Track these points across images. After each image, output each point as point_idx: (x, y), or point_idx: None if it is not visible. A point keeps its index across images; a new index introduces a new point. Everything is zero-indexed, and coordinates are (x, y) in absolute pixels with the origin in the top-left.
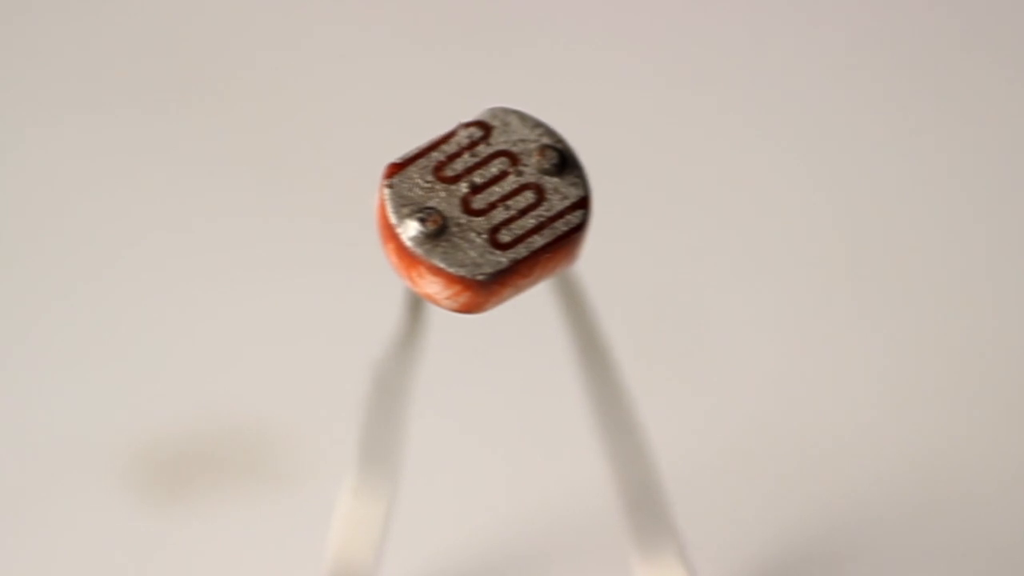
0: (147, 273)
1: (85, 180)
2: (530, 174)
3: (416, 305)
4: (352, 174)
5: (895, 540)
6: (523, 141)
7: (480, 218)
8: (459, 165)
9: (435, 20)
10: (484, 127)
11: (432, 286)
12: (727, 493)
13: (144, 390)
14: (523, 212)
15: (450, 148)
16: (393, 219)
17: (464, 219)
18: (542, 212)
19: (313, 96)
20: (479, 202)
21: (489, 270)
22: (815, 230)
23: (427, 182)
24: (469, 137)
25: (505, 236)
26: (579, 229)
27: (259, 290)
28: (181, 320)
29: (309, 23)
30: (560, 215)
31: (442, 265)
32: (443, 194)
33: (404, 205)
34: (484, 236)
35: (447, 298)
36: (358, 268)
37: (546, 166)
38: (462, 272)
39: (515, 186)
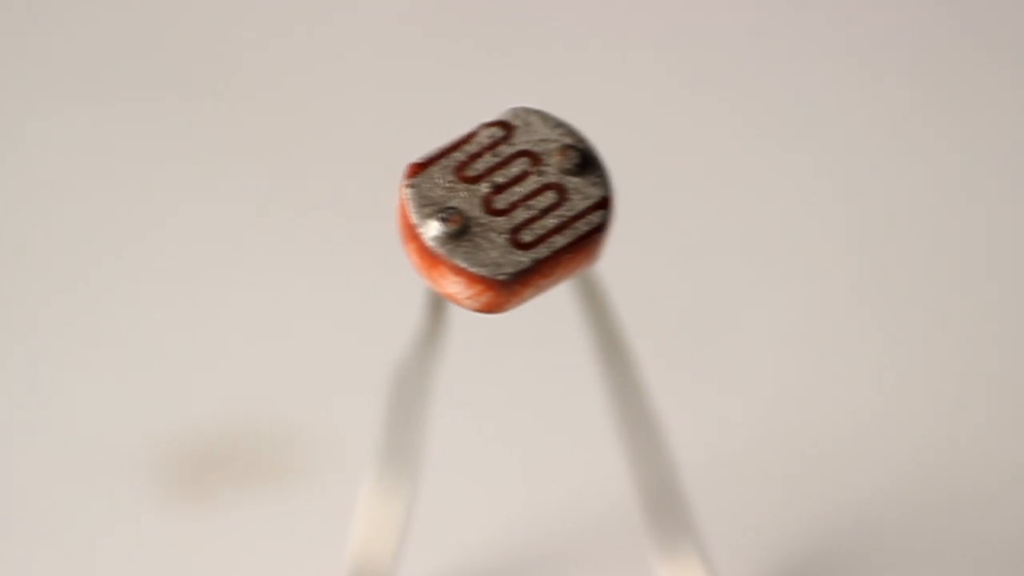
0: (169, 273)
1: (102, 179)
2: (552, 174)
3: (437, 305)
4: (372, 172)
5: (913, 538)
6: (545, 141)
7: (501, 218)
8: (481, 165)
9: (456, 19)
10: (506, 127)
11: (454, 286)
12: (746, 492)
13: (165, 389)
14: (545, 212)
15: (472, 148)
16: (415, 219)
17: (486, 219)
18: (563, 212)
19: (337, 94)
20: (501, 202)
21: (511, 270)
22: (831, 232)
23: (449, 182)
24: (491, 137)
25: (527, 236)
26: (600, 229)
27: (282, 289)
28: (203, 320)
29: (329, 20)
30: (581, 215)
31: (464, 265)
32: (465, 194)
33: (426, 205)
34: (505, 236)
35: (468, 298)
36: (380, 267)
37: (568, 166)
38: (484, 272)
39: (537, 186)
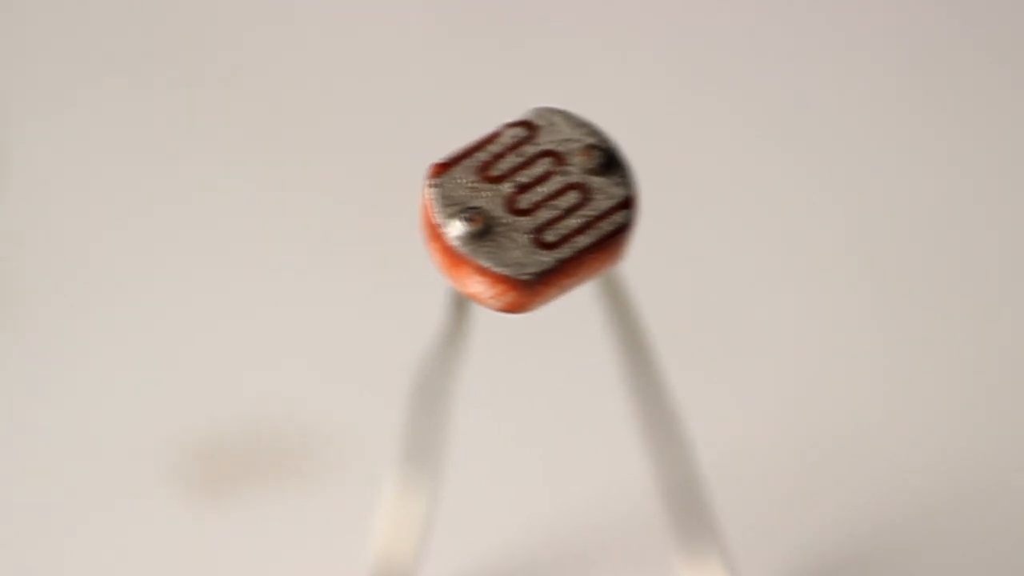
0: (192, 272)
1: (125, 178)
2: (575, 174)
3: (460, 304)
4: (394, 171)
5: (929, 537)
6: (568, 141)
7: (525, 218)
8: (504, 165)
9: (479, 18)
10: (529, 127)
11: (477, 286)
12: (767, 493)
13: (189, 388)
14: (568, 212)
15: (495, 148)
16: (438, 219)
17: (509, 219)
18: (587, 212)
19: (362, 93)
20: (524, 202)
21: (534, 270)
22: (840, 232)
23: (472, 182)
24: (514, 137)
25: (550, 236)
26: (624, 229)
27: (305, 289)
28: (226, 318)
29: (352, 19)
30: (605, 215)
31: (487, 265)
32: (488, 194)
33: (449, 205)
34: (529, 236)
35: (492, 298)
36: (403, 267)
37: (591, 166)
38: (507, 272)
39: (560, 186)
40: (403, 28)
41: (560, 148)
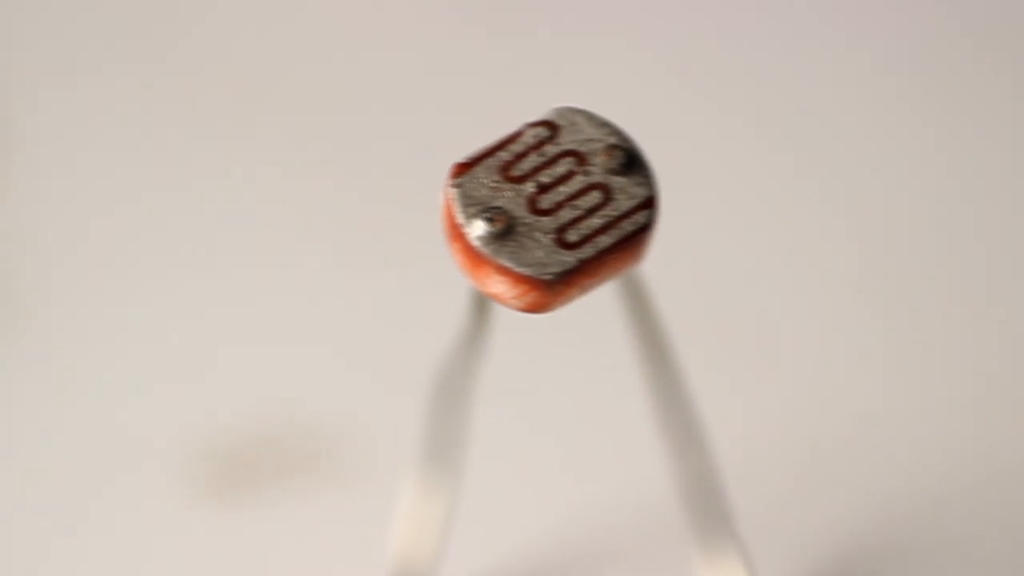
0: (212, 270)
1: (139, 175)
2: (597, 174)
3: (481, 304)
4: (416, 171)
5: (945, 537)
6: (590, 141)
7: (547, 218)
8: (526, 165)
9: (501, 18)
10: (551, 127)
11: (498, 286)
12: (787, 494)
13: (208, 387)
14: (590, 212)
15: (517, 147)
16: (460, 219)
17: (531, 219)
18: (609, 212)
19: (381, 93)
20: (546, 202)
21: (556, 270)
22: (854, 233)
23: (494, 182)
24: (536, 136)
25: (572, 236)
26: (646, 229)
27: (325, 288)
28: (245, 315)
29: (377, 17)
30: (627, 215)
31: (509, 265)
32: (510, 194)
33: (471, 205)
34: (551, 236)
35: (513, 298)
36: (423, 266)
37: (613, 166)
38: (529, 272)
39: (582, 186)
40: (428, 27)
41: (582, 148)
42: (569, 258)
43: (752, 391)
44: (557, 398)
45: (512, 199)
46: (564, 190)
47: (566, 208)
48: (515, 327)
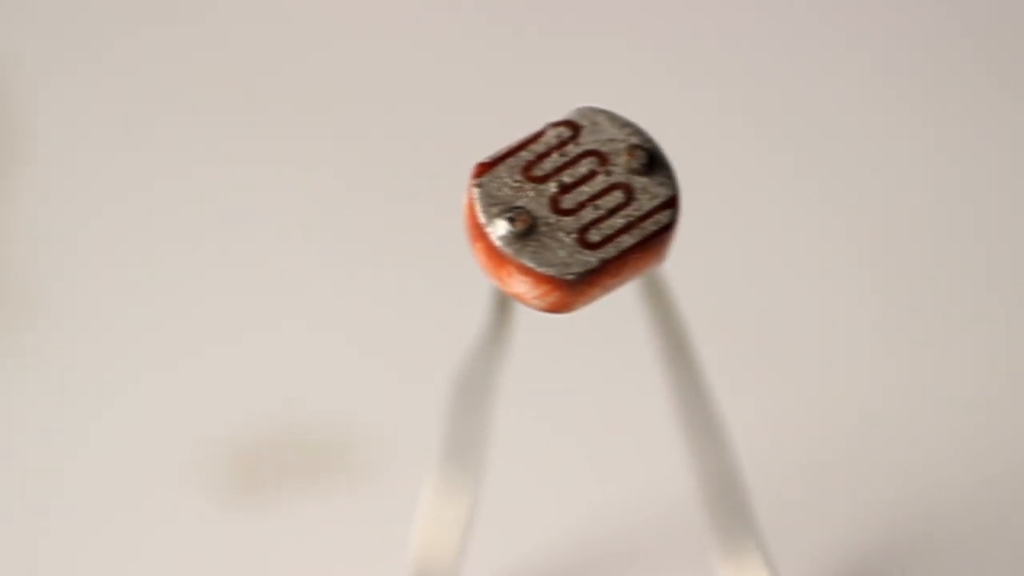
0: (228, 271)
1: (159, 179)
2: (619, 174)
3: (503, 304)
4: (438, 171)
5: (971, 538)
6: (612, 141)
7: (569, 218)
8: (548, 165)
9: (523, 18)
10: (573, 127)
11: (521, 286)
12: (808, 493)
13: (226, 387)
14: (612, 212)
15: (539, 148)
16: (482, 219)
17: (553, 219)
18: (631, 212)
19: (401, 92)
20: (568, 202)
21: (578, 270)
22: (859, 233)
23: (516, 181)
24: (558, 137)
25: (594, 236)
26: (668, 229)
27: (344, 287)
28: (264, 316)
29: (399, 17)
30: (649, 215)
31: (531, 265)
32: (532, 193)
33: (493, 205)
34: (573, 236)
35: (535, 298)
36: (445, 266)
37: (635, 166)
38: (551, 272)
39: (604, 186)
40: (450, 27)
41: (604, 148)
42: (591, 258)
43: (752, 391)
44: (579, 398)
45: (534, 199)
46: (586, 190)
47: (588, 208)
48: (537, 327)
